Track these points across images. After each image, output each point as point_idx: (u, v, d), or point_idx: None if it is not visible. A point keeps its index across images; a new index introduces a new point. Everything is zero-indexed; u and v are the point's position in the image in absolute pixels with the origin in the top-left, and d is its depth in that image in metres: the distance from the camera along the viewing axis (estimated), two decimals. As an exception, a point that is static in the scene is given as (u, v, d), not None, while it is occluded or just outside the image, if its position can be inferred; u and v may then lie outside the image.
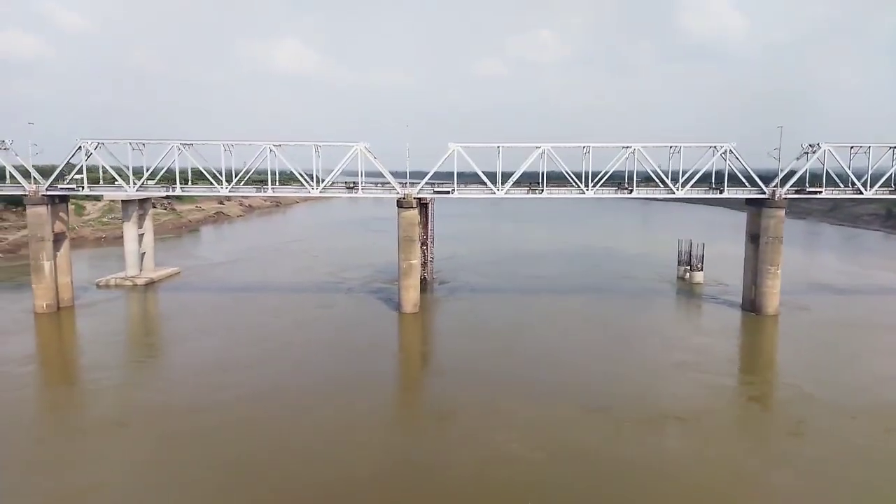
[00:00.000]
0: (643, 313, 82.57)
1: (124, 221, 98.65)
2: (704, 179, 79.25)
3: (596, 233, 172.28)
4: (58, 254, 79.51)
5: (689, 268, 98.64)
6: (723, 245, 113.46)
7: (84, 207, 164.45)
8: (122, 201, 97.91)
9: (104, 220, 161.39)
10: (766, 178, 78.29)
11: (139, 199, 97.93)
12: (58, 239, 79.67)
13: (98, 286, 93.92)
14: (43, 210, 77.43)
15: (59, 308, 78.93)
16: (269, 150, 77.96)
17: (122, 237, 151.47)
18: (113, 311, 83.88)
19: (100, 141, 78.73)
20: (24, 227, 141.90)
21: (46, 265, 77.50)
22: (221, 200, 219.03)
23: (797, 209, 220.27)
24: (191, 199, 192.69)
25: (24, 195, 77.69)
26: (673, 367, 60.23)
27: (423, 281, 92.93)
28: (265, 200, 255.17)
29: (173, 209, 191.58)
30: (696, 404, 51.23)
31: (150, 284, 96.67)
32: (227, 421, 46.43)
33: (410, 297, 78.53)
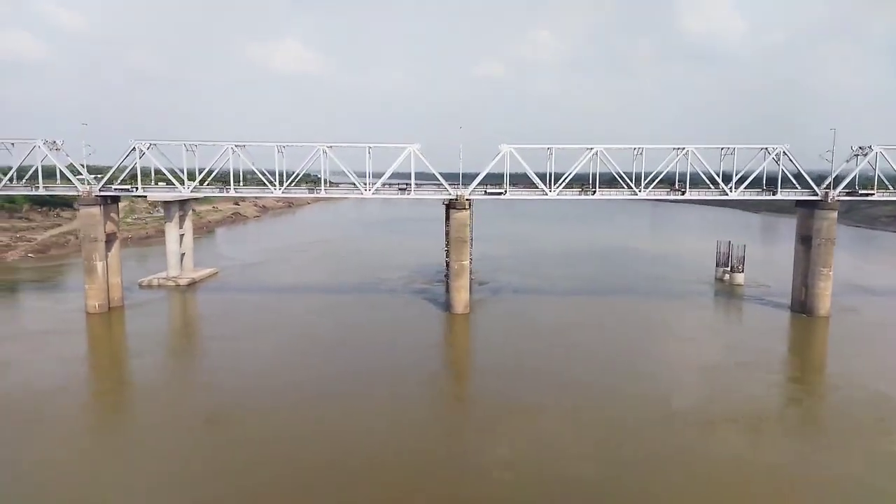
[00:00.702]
0: (691, 314, 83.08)
1: (166, 222, 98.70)
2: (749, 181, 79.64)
3: (613, 233, 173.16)
4: (108, 254, 79.49)
5: (728, 269, 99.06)
6: (751, 247, 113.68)
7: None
8: (164, 202, 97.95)
9: (128, 220, 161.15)
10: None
11: (180, 201, 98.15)
12: (109, 239, 79.67)
13: (141, 286, 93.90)
14: (96, 211, 77.46)
15: (109, 308, 78.96)
16: (322, 152, 78.09)
17: (147, 238, 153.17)
18: (162, 311, 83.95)
19: (152, 142, 78.81)
20: (51, 226, 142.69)
21: (99, 266, 77.51)
22: (237, 201, 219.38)
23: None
24: (208, 200, 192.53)
25: (78, 195, 77.54)
26: (737, 368, 60.63)
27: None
28: (277, 201, 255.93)
29: (193, 210, 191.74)
30: (773, 404, 51.72)
31: (192, 285, 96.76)
32: (299, 421, 46.60)
33: (462, 297, 78.82)
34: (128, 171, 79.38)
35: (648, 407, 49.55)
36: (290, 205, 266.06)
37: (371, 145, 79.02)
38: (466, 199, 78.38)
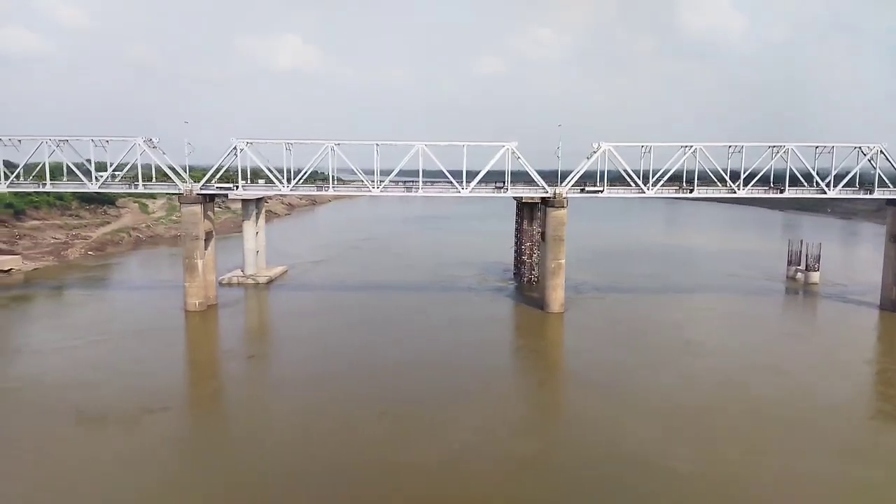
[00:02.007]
0: (783, 312, 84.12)
1: (244, 220, 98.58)
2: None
3: (649, 230, 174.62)
4: (206, 252, 79.47)
5: (801, 268, 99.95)
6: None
7: (147, 206, 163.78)
8: (243, 201, 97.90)
9: (172, 217, 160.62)
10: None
11: (256, 199, 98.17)
12: (206, 238, 79.59)
13: (221, 284, 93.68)
14: (198, 209, 77.37)
15: (207, 306, 79.03)
16: (420, 150, 78.29)
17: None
18: (254, 308, 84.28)
19: (249, 141, 78.78)
20: (101, 224, 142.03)
21: (199, 263, 77.48)
22: (268, 199, 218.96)
23: (842, 210, 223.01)
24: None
25: (179, 193, 77.41)
26: (864, 364, 61.65)
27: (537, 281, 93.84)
28: (300, 199, 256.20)
29: (228, 207, 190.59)
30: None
31: (270, 283, 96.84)
32: (426, 421, 46.91)
33: (558, 296, 79.19)
34: (224, 169, 79.32)
35: (807, 400, 50.33)
36: (314, 203, 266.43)
37: (468, 144, 79.31)
38: (564, 198, 78.72)
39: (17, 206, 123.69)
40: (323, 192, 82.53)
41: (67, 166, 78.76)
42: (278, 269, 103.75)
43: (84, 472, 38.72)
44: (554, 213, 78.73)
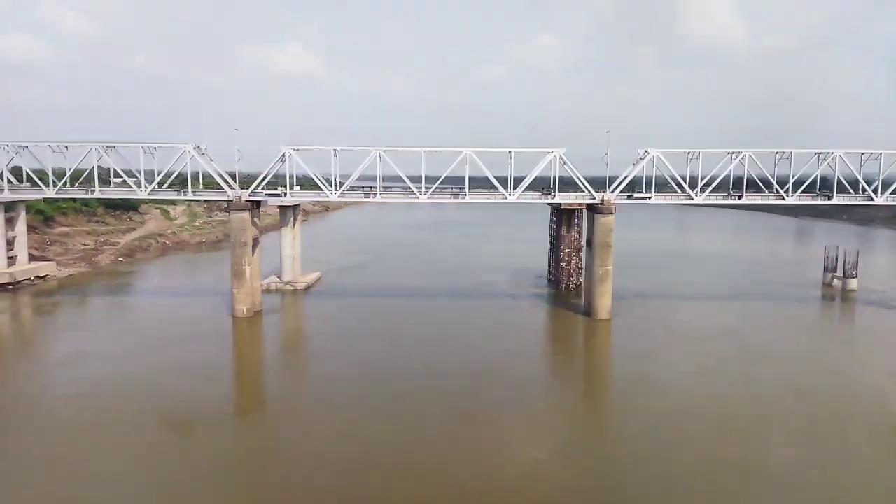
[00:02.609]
0: (828, 317, 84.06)
1: (282, 227, 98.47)
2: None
3: (667, 237, 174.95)
4: (252, 258, 79.30)
5: (837, 274, 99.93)
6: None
7: (168, 212, 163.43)
8: (280, 207, 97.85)
9: (195, 224, 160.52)
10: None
11: (293, 206, 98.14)
12: (253, 244, 79.43)
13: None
14: (246, 216, 77.26)
15: (254, 312, 78.81)
16: (467, 157, 78.26)
17: (219, 241, 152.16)
18: (299, 314, 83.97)
19: (295, 148, 78.64)
20: (126, 230, 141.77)
21: (247, 270, 77.35)
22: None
23: (858, 216, 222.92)
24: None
25: (228, 200, 77.31)
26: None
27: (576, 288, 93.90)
28: (314, 205, 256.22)
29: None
30: None
31: (307, 289, 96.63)
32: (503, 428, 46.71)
33: (606, 303, 78.96)
34: (269, 175, 79.19)
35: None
36: (328, 209, 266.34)
37: (514, 150, 79.37)
38: (613, 204, 78.66)
39: (47, 213, 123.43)
40: (371, 200, 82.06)
41: (114, 171, 78.74)
42: (313, 276, 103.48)
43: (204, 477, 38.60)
44: (602, 220, 78.61)
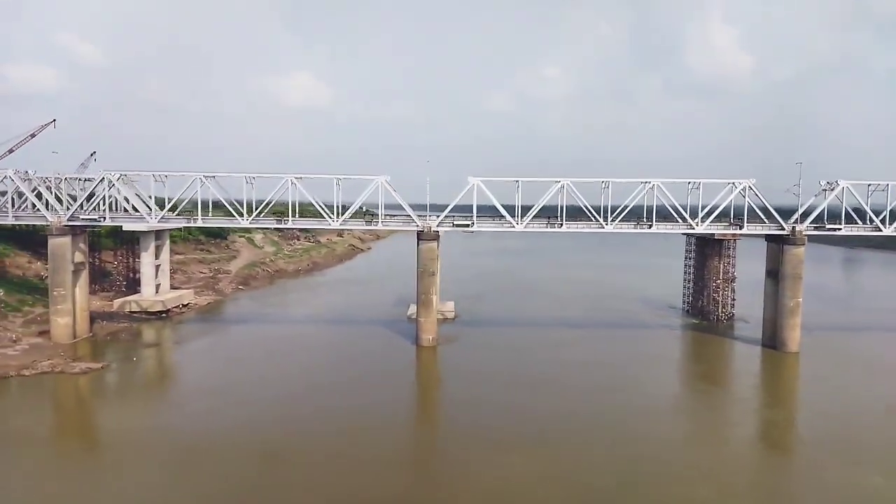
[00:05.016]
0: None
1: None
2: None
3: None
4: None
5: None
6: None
7: (253, 240, 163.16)
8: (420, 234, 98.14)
9: (285, 251, 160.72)
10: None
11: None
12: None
13: (409, 319, 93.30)
14: (434, 245, 78.01)
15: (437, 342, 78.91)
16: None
17: (310, 269, 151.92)
18: (474, 344, 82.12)
19: (484, 179, 78.54)
20: (228, 258, 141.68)
21: (434, 299, 77.73)
22: (341, 233, 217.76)
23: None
24: (320, 231, 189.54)
25: (419, 231, 77.85)
26: None
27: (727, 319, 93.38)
28: (366, 234, 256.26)
29: (317, 241, 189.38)
30: None
31: (455, 318, 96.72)
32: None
33: (795, 335, 77.04)
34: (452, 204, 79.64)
35: None
36: (377, 237, 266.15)
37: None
38: (804, 235, 78.41)
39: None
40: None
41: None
42: (450, 304, 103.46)
43: None
44: (793, 251, 78.26)
